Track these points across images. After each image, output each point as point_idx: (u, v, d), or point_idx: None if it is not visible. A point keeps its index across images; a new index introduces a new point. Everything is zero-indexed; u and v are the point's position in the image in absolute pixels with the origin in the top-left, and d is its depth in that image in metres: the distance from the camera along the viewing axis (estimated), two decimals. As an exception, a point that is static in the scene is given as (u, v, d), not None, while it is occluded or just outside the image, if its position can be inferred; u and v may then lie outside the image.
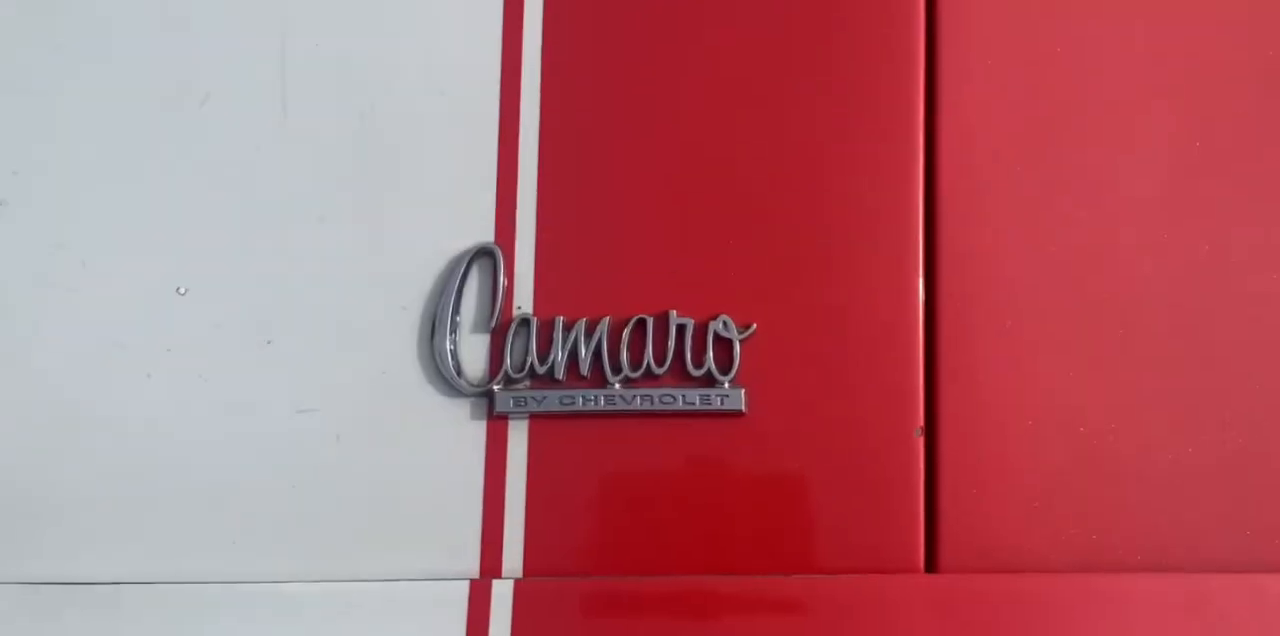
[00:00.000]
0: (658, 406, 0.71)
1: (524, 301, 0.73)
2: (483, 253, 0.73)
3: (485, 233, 0.74)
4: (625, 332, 0.72)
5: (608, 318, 0.72)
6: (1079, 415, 0.72)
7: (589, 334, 0.72)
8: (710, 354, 0.72)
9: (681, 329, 0.72)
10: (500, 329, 0.73)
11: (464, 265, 0.73)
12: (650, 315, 0.72)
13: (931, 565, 0.71)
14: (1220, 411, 0.73)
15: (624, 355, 0.72)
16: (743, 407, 0.71)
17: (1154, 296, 0.74)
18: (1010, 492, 0.72)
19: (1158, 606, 0.70)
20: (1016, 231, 0.74)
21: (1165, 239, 0.74)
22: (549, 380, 0.72)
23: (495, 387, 0.72)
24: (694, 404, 0.71)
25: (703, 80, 0.75)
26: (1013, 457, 0.72)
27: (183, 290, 0.75)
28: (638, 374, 0.71)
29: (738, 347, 0.72)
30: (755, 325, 0.72)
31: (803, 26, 0.76)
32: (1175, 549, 0.71)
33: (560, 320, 0.72)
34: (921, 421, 0.72)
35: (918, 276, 0.73)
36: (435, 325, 0.73)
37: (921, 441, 0.71)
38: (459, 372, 0.72)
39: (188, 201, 0.76)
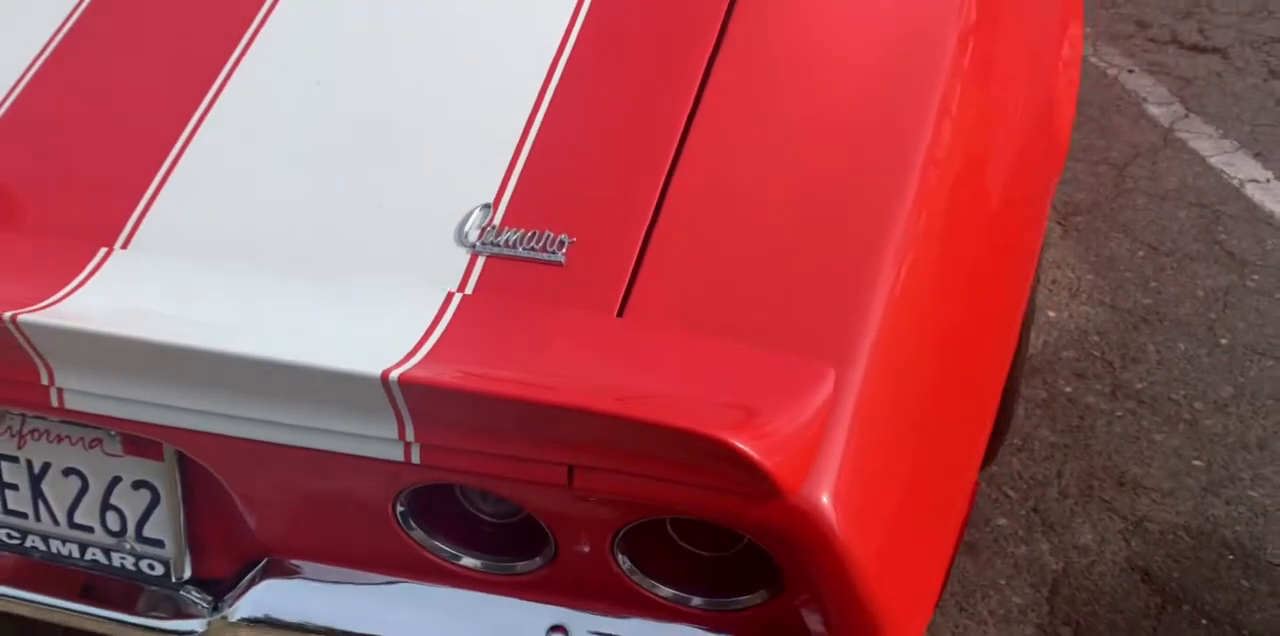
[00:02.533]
0: (534, 254, 1.95)
1: (498, 222, 2.00)
2: (485, 205, 2.02)
3: (490, 195, 2.03)
4: (527, 234, 1.98)
5: (522, 229, 1.99)
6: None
7: (514, 233, 1.99)
8: (558, 244, 1.97)
9: (549, 238, 1.98)
10: (483, 232, 1.99)
11: (475, 208, 2.01)
12: (538, 230, 1.99)
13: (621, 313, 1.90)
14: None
15: (526, 240, 1.98)
16: (563, 260, 1.94)
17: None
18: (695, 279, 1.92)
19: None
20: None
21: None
22: (498, 247, 1.98)
23: (478, 244, 1.98)
24: (547, 256, 1.95)
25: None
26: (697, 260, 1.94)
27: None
28: (527, 247, 1.97)
29: (567, 244, 1.96)
30: (576, 238, 1.97)
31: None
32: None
33: (508, 228, 1.99)
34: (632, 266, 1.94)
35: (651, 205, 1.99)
36: (462, 225, 2.00)
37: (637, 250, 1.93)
38: (466, 238, 1.98)
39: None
